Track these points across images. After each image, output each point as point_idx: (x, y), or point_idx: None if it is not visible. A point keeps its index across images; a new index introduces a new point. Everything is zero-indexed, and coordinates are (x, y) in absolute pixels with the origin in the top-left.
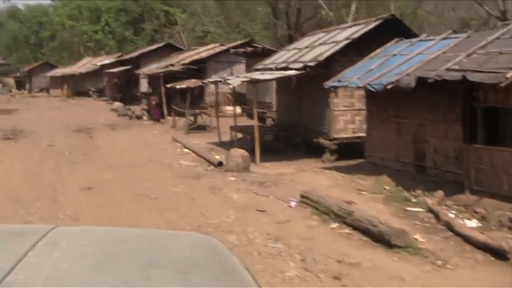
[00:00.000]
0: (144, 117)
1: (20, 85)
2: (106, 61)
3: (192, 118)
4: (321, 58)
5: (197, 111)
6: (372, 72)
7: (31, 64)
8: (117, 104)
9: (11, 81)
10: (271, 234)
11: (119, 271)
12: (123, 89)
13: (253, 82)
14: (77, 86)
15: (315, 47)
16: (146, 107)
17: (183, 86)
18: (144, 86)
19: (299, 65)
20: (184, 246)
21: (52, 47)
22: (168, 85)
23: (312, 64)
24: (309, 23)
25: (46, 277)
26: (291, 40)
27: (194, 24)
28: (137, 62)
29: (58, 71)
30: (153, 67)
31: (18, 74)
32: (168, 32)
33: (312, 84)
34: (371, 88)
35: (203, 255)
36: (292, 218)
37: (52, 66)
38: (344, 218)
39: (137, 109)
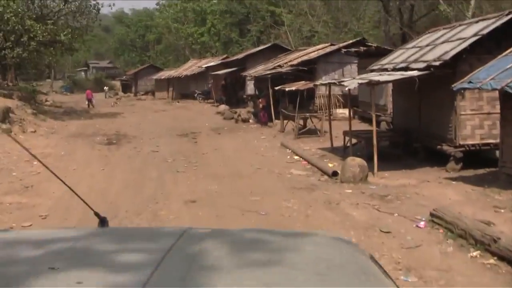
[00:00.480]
0: (251, 120)
1: (126, 88)
2: (212, 63)
3: (301, 122)
4: (447, 57)
5: (307, 114)
6: (509, 72)
7: (137, 67)
8: (222, 107)
9: (117, 84)
10: (401, 262)
11: (258, 273)
12: (228, 91)
13: (373, 84)
14: (182, 89)
15: (438, 45)
16: (252, 110)
17: (292, 88)
18: (250, 88)
19: (422, 65)
20: (320, 246)
21: (158, 50)
22: (276, 88)
23: (436, 63)
24: (423, 20)
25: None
26: (404, 38)
27: (301, 24)
28: (243, 64)
29: (164, 74)
30: (260, 69)
31: (124, 77)
32: (274, 32)
33: (434, 85)
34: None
35: (341, 255)
36: (423, 242)
37: (158, 69)
38: (488, 245)
39: (243, 112)
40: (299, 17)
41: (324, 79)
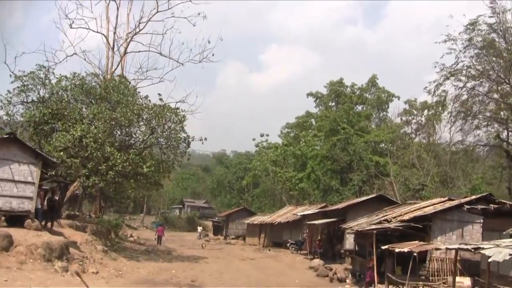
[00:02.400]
0: (348, 280)
1: (217, 230)
2: (309, 211)
3: None
4: None
5: (420, 283)
6: None
7: (230, 209)
8: (316, 262)
9: (209, 225)
10: None
11: None
12: (325, 244)
13: None
14: (275, 236)
15: None
16: (349, 267)
17: (405, 250)
18: (349, 242)
19: None
20: None
21: (254, 193)
22: (384, 247)
23: None
24: None
25: None
26: None
27: (407, 176)
28: (343, 215)
29: (257, 219)
30: (363, 222)
31: (216, 218)
32: (378, 183)
33: None
34: None
35: None
36: None
37: (251, 213)
38: None
39: (339, 269)
40: (404, 169)
41: (440, 240)
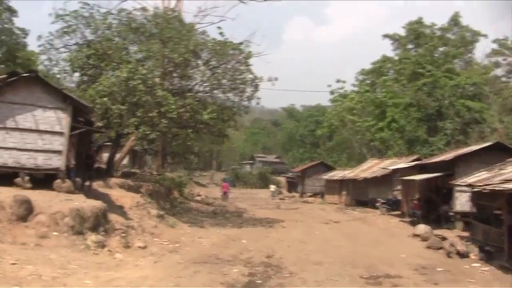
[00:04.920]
0: (473, 255)
1: (291, 186)
2: (401, 165)
3: None
4: None
5: None
6: None
7: (305, 164)
8: (422, 228)
9: (282, 181)
10: None
11: None
12: (425, 204)
13: None
14: (359, 194)
15: None
16: (463, 234)
17: None
18: (460, 202)
19: None
20: None
21: (329, 146)
22: None
23: None
24: None
25: None
26: None
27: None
28: (449, 168)
29: (336, 174)
30: (482, 176)
31: (290, 174)
32: (478, 131)
33: None
34: None
35: None
36: None
37: (329, 168)
38: None
39: (455, 239)
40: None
41: None
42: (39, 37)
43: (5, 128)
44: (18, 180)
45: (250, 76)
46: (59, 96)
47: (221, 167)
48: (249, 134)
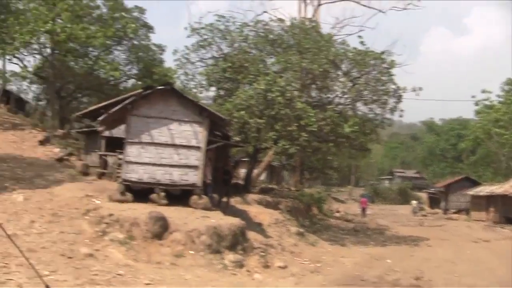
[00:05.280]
0: None
1: (433, 202)
2: None
3: None
4: None
5: None
6: None
7: (447, 180)
8: None
9: (423, 197)
10: None
11: None
12: None
13: None
14: (508, 211)
15: None
16: None
17: None
18: None
19: None
20: None
21: (473, 160)
22: None
23: None
24: None
25: None
26: None
27: None
28: None
29: (483, 189)
30: None
31: (432, 189)
32: None
33: None
34: None
35: None
36: None
37: (474, 183)
38: None
39: None
40: None
41: None
42: (175, 51)
43: (140, 143)
44: (153, 196)
45: (393, 86)
46: (196, 109)
47: (359, 182)
48: (388, 148)
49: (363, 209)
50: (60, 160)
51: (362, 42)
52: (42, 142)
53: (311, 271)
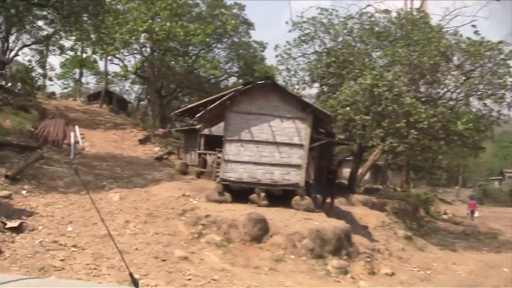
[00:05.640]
0: None
1: None
2: None
3: None
4: None
5: None
6: None
7: None
8: None
9: None
10: None
11: None
12: None
13: None
14: None
15: None
16: None
17: None
18: None
19: None
20: None
21: None
22: None
23: None
24: None
25: None
26: None
27: None
28: None
29: None
30: None
31: None
32: None
33: None
34: None
35: None
36: None
37: None
38: None
39: None
40: None
41: None
42: (276, 47)
43: (239, 141)
44: (253, 196)
45: (511, 79)
46: (298, 105)
47: (466, 183)
48: (498, 148)
49: (472, 212)
50: (159, 159)
51: (476, 32)
52: (142, 141)
53: (420, 279)
